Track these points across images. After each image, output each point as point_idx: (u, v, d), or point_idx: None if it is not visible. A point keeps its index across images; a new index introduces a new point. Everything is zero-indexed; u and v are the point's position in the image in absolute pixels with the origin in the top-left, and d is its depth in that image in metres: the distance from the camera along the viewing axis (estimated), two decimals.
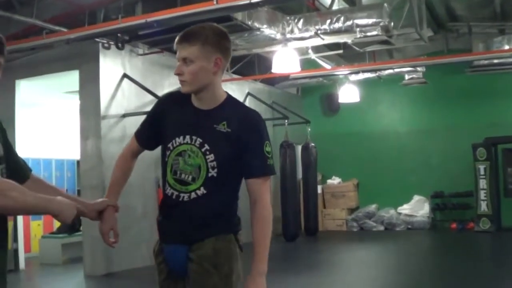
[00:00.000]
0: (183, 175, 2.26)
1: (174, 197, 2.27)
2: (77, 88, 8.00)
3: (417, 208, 11.94)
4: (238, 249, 2.30)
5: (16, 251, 7.84)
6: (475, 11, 9.86)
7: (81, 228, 7.89)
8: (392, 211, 12.09)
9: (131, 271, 7.52)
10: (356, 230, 12.17)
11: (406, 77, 11.22)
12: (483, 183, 10.74)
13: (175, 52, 2.28)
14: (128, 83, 8.05)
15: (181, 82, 2.28)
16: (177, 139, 2.29)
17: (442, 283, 6.58)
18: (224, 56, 2.27)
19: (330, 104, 13.19)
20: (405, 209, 12.03)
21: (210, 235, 2.24)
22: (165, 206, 2.35)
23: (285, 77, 11.30)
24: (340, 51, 9.68)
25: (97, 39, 7.30)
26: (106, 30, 6.73)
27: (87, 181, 7.76)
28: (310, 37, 7.75)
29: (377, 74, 11.10)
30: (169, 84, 8.42)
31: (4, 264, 1.86)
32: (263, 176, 2.28)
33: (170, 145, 2.30)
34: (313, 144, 11.51)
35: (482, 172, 10.77)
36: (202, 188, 2.24)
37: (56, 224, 8.97)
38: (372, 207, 12.30)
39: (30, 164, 2.24)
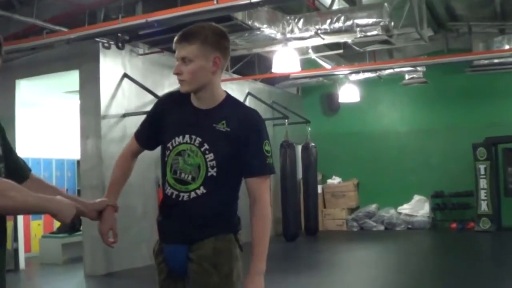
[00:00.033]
0: (183, 175, 2.26)
1: (174, 196, 2.27)
2: (77, 88, 8.00)
3: (417, 208, 11.94)
4: (238, 249, 2.29)
5: (16, 251, 7.84)
6: (475, 10, 9.87)
7: (81, 228, 7.88)
8: (392, 211, 12.09)
9: (131, 271, 7.52)
10: (356, 230, 12.17)
11: (406, 76, 11.22)
12: (483, 183, 10.74)
13: (175, 52, 2.28)
14: (128, 83, 8.05)
15: (180, 81, 2.28)
16: (176, 138, 2.28)
17: (442, 283, 6.58)
18: (223, 55, 2.27)
19: (330, 104, 13.19)
20: (405, 209, 12.04)
21: (210, 235, 2.24)
22: (165, 206, 2.35)
23: (285, 77, 11.29)
24: (340, 51, 9.67)
25: (97, 39, 7.30)
26: (106, 30, 6.73)
27: (87, 181, 7.76)
28: (310, 37, 7.75)
29: (377, 74, 11.10)
30: (169, 84, 8.42)
31: (3, 264, 1.85)
32: (263, 175, 2.28)
33: (169, 144, 2.30)
34: (313, 144, 11.51)
35: (482, 171, 10.77)
36: (201, 188, 2.24)
37: (56, 224, 8.96)
38: (372, 207, 12.30)
39: (30, 164, 2.24)
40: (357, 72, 10.73)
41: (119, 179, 2.46)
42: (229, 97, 2.36)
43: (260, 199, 2.26)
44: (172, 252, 2.29)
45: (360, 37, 7.66)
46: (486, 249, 9.62)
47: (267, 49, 8.81)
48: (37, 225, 9.51)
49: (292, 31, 7.68)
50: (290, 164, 10.79)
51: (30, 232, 9.32)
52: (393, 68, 10.53)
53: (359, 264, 8.52)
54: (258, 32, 7.52)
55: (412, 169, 12.06)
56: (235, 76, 10.43)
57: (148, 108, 2.84)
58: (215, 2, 5.75)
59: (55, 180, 9.97)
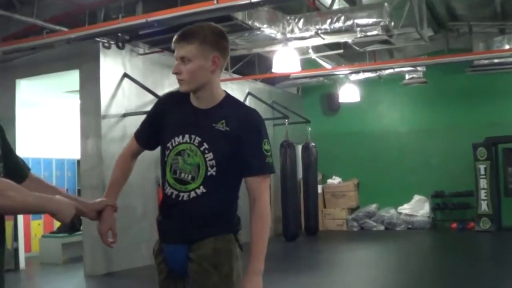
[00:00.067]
0: (182, 174, 2.26)
1: (173, 196, 2.27)
2: (77, 87, 8.00)
3: (417, 208, 11.94)
4: (238, 248, 2.29)
5: (16, 250, 7.84)
6: (475, 10, 9.87)
7: (81, 228, 7.88)
8: (392, 211, 12.09)
9: (131, 271, 7.52)
10: (356, 230, 12.17)
11: (407, 76, 11.22)
12: (483, 183, 10.74)
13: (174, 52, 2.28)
14: (129, 83, 8.05)
15: (179, 81, 2.28)
16: (176, 138, 2.28)
17: (442, 283, 6.58)
18: (222, 54, 2.27)
19: (330, 104, 13.19)
20: (405, 208, 12.03)
21: (209, 234, 2.24)
22: (165, 206, 2.35)
23: (285, 77, 11.29)
24: (341, 51, 9.67)
25: (97, 39, 7.30)
26: (107, 29, 6.73)
27: (87, 180, 7.76)
28: (311, 36, 7.75)
29: (377, 73, 11.10)
30: (169, 84, 8.42)
31: (2, 263, 1.85)
32: (262, 174, 2.27)
33: (169, 144, 2.30)
34: (313, 144, 11.51)
35: (482, 171, 10.77)
36: (201, 187, 2.24)
37: (57, 223, 8.96)
38: (373, 206, 12.30)
39: (30, 164, 2.24)
40: (357, 72, 10.73)
41: (119, 179, 2.46)
42: (228, 96, 2.35)
43: (259, 198, 2.25)
44: (172, 252, 2.29)
45: (360, 37, 7.66)
46: (486, 249, 9.62)
47: (267, 49, 8.81)
48: (37, 225, 9.51)
49: (292, 31, 7.68)
50: (290, 164, 10.79)
51: (30, 232, 9.32)
52: (393, 68, 10.52)
53: (359, 264, 8.52)
54: (258, 32, 7.51)
55: (412, 169, 12.06)
56: (235, 76, 10.43)
57: (149, 107, 2.84)
58: (215, 2, 5.74)
59: (55, 180, 9.97)
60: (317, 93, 13.36)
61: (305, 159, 11.49)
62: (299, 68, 8.70)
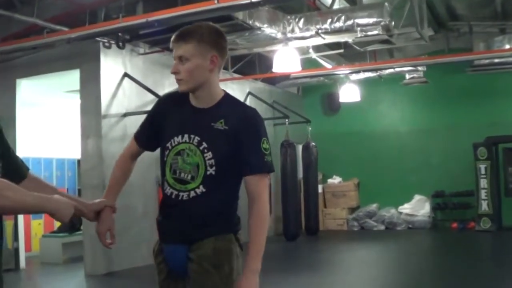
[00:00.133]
0: (182, 174, 2.26)
1: (173, 196, 2.27)
2: (78, 87, 8.00)
3: (418, 208, 11.93)
4: (239, 248, 2.29)
5: (16, 250, 7.84)
6: (475, 10, 9.86)
7: (81, 228, 7.88)
8: (393, 211, 12.08)
9: (132, 271, 7.52)
10: (357, 230, 12.17)
11: (407, 76, 11.22)
12: (483, 183, 10.73)
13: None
14: (129, 82, 8.05)
15: (178, 81, 2.28)
16: (175, 138, 2.28)
17: (442, 283, 6.57)
18: (220, 54, 2.27)
19: (330, 104, 13.19)
20: (405, 208, 12.03)
21: (209, 234, 2.23)
22: (165, 206, 2.35)
23: (285, 77, 11.29)
24: (341, 51, 9.67)
25: (98, 39, 7.30)
26: (107, 29, 6.74)
27: (87, 180, 7.76)
28: (311, 36, 7.75)
29: (377, 73, 11.09)
30: (169, 83, 8.41)
31: (0, 262, 1.85)
32: (261, 173, 2.26)
33: (169, 144, 2.30)
34: (313, 144, 11.51)
35: (482, 171, 10.76)
36: (201, 187, 2.23)
37: (57, 223, 8.97)
38: (373, 206, 12.30)
39: (30, 164, 2.25)
40: (358, 71, 10.73)
41: (118, 180, 2.45)
42: (227, 95, 2.35)
43: (258, 197, 2.24)
44: (172, 252, 2.29)
45: (361, 36, 7.66)
46: (486, 249, 9.62)
47: (268, 48, 8.81)
48: (38, 225, 9.51)
49: (292, 30, 7.68)
50: (291, 163, 10.79)
51: (31, 231, 9.32)
52: (393, 68, 10.52)
53: (359, 263, 8.52)
54: (259, 32, 7.51)
55: (413, 168, 12.06)
56: (235, 75, 10.44)
57: (149, 107, 2.84)
58: (215, 1, 5.75)
59: (55, 180, 9.98)
60: (317, 93, 13.36)
61: (306, 159, 11.49)
62: (299, 68, 8.69)
